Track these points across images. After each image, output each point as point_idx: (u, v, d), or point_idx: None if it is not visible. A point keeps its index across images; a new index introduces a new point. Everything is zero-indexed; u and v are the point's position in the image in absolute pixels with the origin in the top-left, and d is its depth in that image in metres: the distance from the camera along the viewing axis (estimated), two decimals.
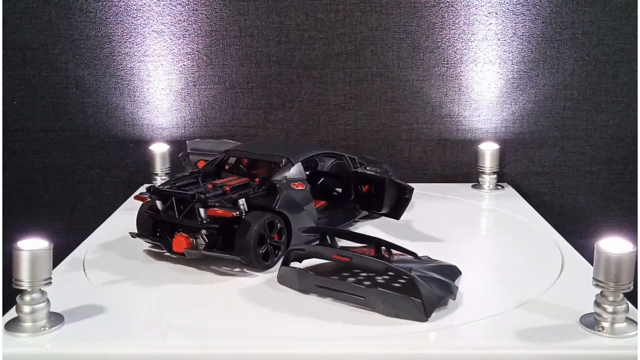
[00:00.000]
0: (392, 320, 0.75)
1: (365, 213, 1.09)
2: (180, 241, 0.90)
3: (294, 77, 1.36)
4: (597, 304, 0.71)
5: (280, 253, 0.91)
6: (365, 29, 1.33)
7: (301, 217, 0.95)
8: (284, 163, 0.97)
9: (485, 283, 0.89)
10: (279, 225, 0.91)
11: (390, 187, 1.03)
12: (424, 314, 0.74)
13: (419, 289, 0.74)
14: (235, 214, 0.87)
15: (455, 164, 1.39)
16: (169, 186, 0.94)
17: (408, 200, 1.03)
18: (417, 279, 0.75)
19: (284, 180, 0.94)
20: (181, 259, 0.93)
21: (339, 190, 1.12)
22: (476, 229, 1.15)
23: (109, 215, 1.15)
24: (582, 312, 0.74)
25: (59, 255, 0.87)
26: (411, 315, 0.74)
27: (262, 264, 0.89)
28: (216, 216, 0.88)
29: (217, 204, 0.88)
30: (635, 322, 0.71)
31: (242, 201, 0.89)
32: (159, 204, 0.92)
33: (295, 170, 0.97)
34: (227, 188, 0.93)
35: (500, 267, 0.95)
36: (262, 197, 0.93)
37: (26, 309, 0.71)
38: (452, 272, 0.85)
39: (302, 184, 0.96)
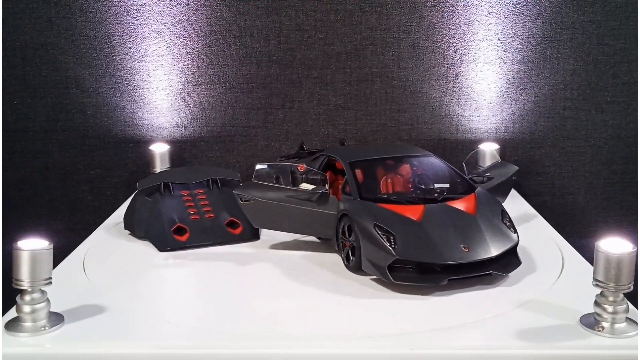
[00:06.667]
0: (392, 320, 0.75)
1: None
2: None
3: (294, 77, 1.36)
4: (597, 304, 0.71)
5: None
6: (365, 29, 1.33)
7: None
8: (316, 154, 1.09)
9: (485, 283, 0.89)
10: None
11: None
12: None
13: None
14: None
15: (455, 164, 1.39)
16: None
17: None
18: None
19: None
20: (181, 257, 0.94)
21: None
22: None
23: (109, 215, 1.15)
24: (582, 312, 0.74)
25: (59, 255, 0.87)
26: None
27: None
28: None
29: None
30: (635, 322, 0.71)
31: None
32: None
33: (307, 161, 1.07)
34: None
35: None
36: None
37: (26, 308, 0.71)
38: None
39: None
